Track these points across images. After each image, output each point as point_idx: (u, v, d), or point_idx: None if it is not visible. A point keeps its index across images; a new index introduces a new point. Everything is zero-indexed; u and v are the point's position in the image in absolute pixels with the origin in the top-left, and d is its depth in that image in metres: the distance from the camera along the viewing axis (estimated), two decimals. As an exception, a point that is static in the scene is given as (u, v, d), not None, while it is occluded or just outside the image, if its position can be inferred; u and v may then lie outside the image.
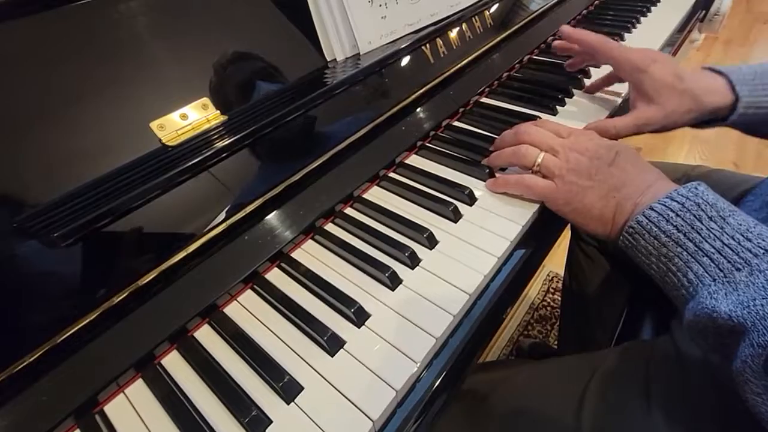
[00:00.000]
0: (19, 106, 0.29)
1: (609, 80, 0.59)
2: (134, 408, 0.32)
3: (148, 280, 0.34)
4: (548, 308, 1.20)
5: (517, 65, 0.68)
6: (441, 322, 0.34)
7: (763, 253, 0.28)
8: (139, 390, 0.33)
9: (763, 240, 0.28)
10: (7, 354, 0.28)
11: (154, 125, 0.33)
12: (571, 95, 0.61)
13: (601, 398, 0.43)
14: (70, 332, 0.31)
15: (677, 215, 0.32)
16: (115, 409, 0.32)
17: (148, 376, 0.33)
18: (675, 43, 0.77)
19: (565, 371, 0.50)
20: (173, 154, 0.32)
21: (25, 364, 0.29)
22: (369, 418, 0.29)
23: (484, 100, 0.62)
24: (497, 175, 0.47)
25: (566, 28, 0.56)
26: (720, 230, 0.30)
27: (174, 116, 0.34)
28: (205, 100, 0.36)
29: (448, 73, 0.56)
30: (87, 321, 0.31)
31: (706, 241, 0.30)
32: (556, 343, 1.10)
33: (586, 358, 0.51)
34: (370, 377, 0.32)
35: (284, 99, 0.39)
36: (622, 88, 0.59)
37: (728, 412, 0.36)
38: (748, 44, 2.29)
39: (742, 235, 0.29)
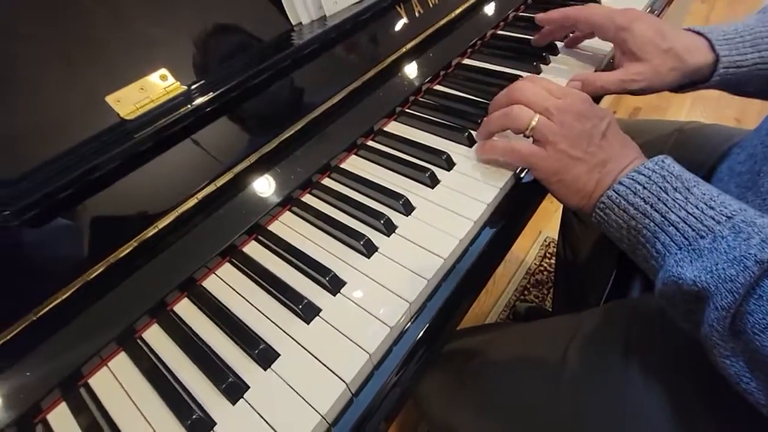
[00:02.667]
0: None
1: (578, 39, 0.58)
2: (117, 380, 0.33)
3: (122, 255, 0.34)
4: (544, 273, 1.21)
5: (501, 23, 0.66)
6: (415, 287, 0.35)
7: (725, 220, 0.29)
8: (121, 363, 0.34)
9: (725, 208, 0.30)
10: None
11: (110, 99, 0.32)
12: (555, 52, 0.58)
13: (581, 355, 0.44)
14: (48, 308, 0.31)
15: (644, 188, 0.33)
16: (99, 381, 0.33)
17: (130, 349, 0.34)
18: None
19: (551, 331, 0.51)
20: (131, 127, 0.32)
21: (4, 341, 0.30)
22: (342, 380, 0.30)
23: (466, 61, 0.60)
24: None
25: (540, 15, 0.55)
26: (684, 200, 0.31)
27: (131, 89, 0.33)
28: (163, 71, 0.34)
29: (426, 34, 0.54)
30: (64, 297, 0.32)
31: (672, 211, 0.31)
32: (551, 306, 1.11)
33: (572, 318, 0.51)
34: (345, 342, 0.32)
35: (246, 66, 0.38)
36: (607, 45, 0.57)
37: (705, 369, 0.37)
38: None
39: (706, 204, 0.30)
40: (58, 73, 0.31)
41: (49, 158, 0.30)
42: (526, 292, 1.18)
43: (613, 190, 0.35)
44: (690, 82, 0.49)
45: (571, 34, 0.59)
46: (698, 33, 0.47)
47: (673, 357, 0.40)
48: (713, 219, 0.30)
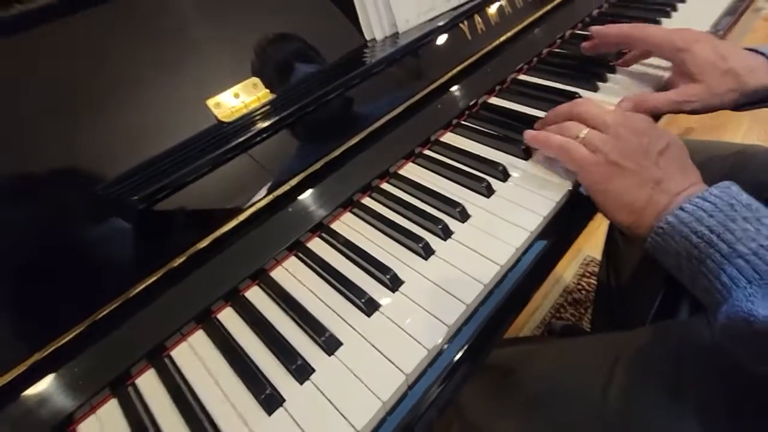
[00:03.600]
0: (93, 93, 0.33)
1: (635, 58, 0.57)
2: (196, 354, 0.36)
3: (204, 245, 0.38)
4: (582, 292, 1.19)
5: (558, 41, 0.67)
6: (472, 290, 0.36)
7: None
8: (200, 339, 0.37)
9: None
10: (92, 302, 0.33)
11: (210, 103, 0.36)
12: (613, 71, 0.59)
13: (628, 378, 0.44)
14: (140, 288, 0.35)
15: (710, 215, 0.31)
16: (180, 354, 0.36)
17: (207, 327, 0.38)
18: (736, 11, 0.72)
19: (595, 349, 0.50)
20: (228, 129, 0.36)
21: (104, 312, 0.34)
22: (403, 372, 0.32)
23: (521, 77, 0.61)
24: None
25: (596, 28, 0.55)
26: (756, 231, 0.29)
27: (227, 95, 0.37)
28: (255, 80, 0.38)
29: (485, 50, 0.56)
30: (153, 279, 0.36)
31: (741, 242, 0.29)
32: (589, 327, 1.09)
33: (618, 336, 0.51)
34: (404, 337, 0.34)
35: (325, 79, 0.41)
36: (667, 63, 0.57)
37: (762, 393, 0.36)
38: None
39: None
40: (168, 79, 0.36)
41: (161, 153, 0.34)
42: (562, 310, 1.16)
43: (674, 216, 0.33)
44: (749, 101, 0.48)
45: (625, 53, 0.59)
46: (760, 53, 0.47)
47: (727, 381, 0.39)
48: None
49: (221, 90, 0.37)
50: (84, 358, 0.34)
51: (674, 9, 0.69)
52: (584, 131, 0.41)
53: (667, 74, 0.57)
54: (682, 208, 0.32)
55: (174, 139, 0.35)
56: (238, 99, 0.37)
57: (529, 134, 0.46)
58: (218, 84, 0.37)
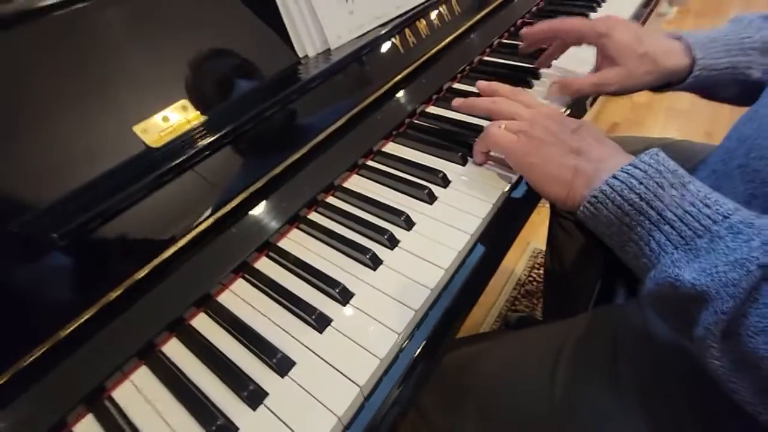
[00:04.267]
0: (8, 122, 0.31)
1: (555, 49, 0.62)
2: (140, 392, 0.34)
3: (143, 274, 0.36)
4: (534, 283, 1.25)
5: (487, 50, 0.71)
6: (420, 296, 0.37)
7: (722, 219, 0.28)
8: (143, 376, 0.35)
9: (720, 206, 0.29)
10: (15, 349, 0.31)
11: (137, 129, 0.35)
12: (538, 77, 0.63)
13: (572, 363, 0.47)
14: (73, 327, 0.33)
15: (640, 183, 0.31)
16: (122, 394, 0.34)
17: (151, 362, 0.36)
18: (641, 16, 0.80)
19: (544, 338, 0.53)
20: (158, 155, 0.35)
21: (32, 358, 0.31)
22: (356, 384, 0.32)
23: (456, 85, 0.64)
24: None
25: (525, 30, 0.60)
26: (681, 197, 0.30)
27: (156, 119, 0.36)
28: (184, 101, 0.37)
29: (419, 62, 0.59)
30: (88, 316, 0.33)
31: (668, 209, 0.30)
32: (541, 316, 1.14)
33: (563, 324, 0.54)
34: (356, 349, 0.35)
35: (260, 97, 0.41)
36: (586, 67, 0.62)
37: (689, 373, 0.40)
38: (721, 16, 2.33)
39: (701, 202, 0.29)
40: (91, 105, 0.34)
41: (87, 183, 0.32)
42: (516, 303, 1.22)
43: (607, 185, 0.33)
44: (666, 83, 0.53)
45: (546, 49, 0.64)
46: (676, 38, 0.51)
47: (659, 360, 0.43)
48: (710, 218, 0.29)
49: (149, 114, 0.36)
50: (13, 409, 0.31)
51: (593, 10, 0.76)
52: (503, 123, 0.44)
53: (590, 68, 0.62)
54: (615, 176, 0.33)
55: (99, 168, 0.33)
56: (167, 123, 0.36)
57: (456, 101, 0.50)
58: (145, 108, 0.36)
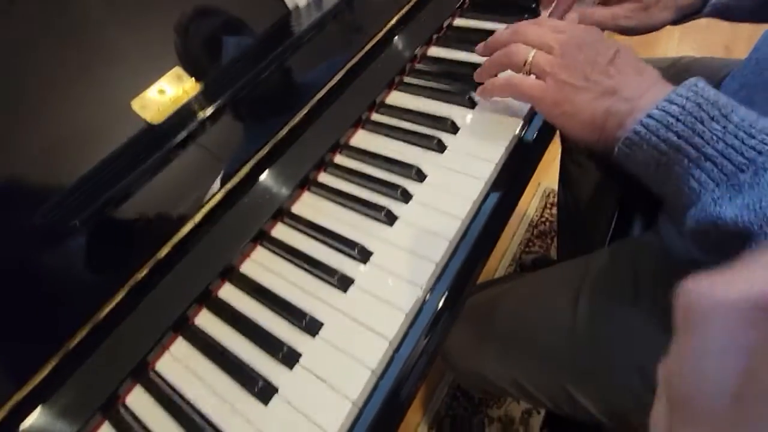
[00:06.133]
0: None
1: None
2: (181, 362, 0.36)
3: (165, 252, 0.36)
4: (546, 223, 1.25)
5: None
6: (439, 248, 0.37)
7: None
8: (181, 347, 0.37)
9: (767, 135, 0.27)
10: (60, 333, 0.32)
11: (135, 106, 0.33)
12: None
13: (593, 296, 0.47)
14: (109, 308, 0.34)
15: (678, 120, 0.29)
16: (165, 365, 0.36)
17: (187, 334, 0.37)
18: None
19: (561, 277, 0.54)
20: (161, 131, 0.34)
21: (77, 340, 0.33)
22: (386, 338, 0.33)
23: (456, 22, 0.60)
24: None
25: None
26: (723, 130, 0.28)
27: (152, 92, 0.34)
28: (178, 69, 0.36)
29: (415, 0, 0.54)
30: (120, 297, 0.35)
31: (709, 144, 0.28)
32: (556, 255, 1.15)
33: (579, 261, 0.54)
34: (381, 305, 0.35)
35: (255, 56, 0.39)
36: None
37: None
38: None
39: (746, 133, 0.27)
40: (83, 85, 0.32)
41: (94, 169, 0.32)
42: (530, 244, 1.23)
43: (642, 125, 0.31)
44: (683, 15, 0.50)
45: None
46: None
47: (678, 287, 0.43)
48: (754, 149, 0.27)
49: (143, 88, 0.34)
50: (68, 388, 0.33)
51: None
52: (531, 53, 0.39)
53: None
54: (650, 116, 0.31)
55: (103, 151, 0.32)
56: (164, 95, 0.34)
57: (478, 92, 0.45)
58: (139, 82, 0.34)
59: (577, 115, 0.36)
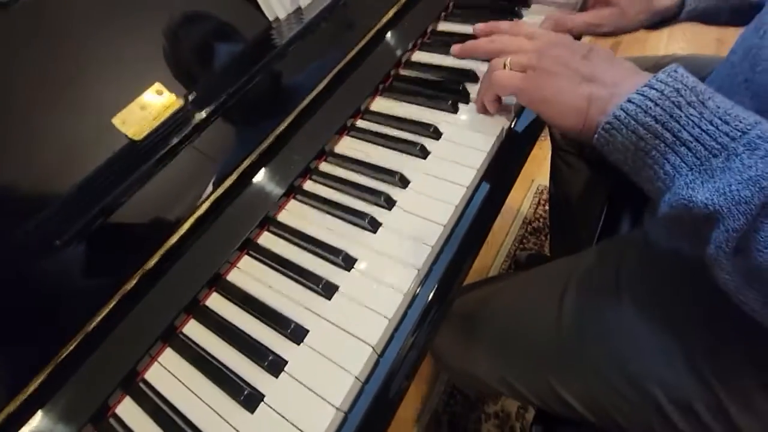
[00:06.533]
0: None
1: None
2: (169, 372, 0.37)
3: (152, 263, 0.37)
4: (541, 220, 1.26)
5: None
6: (422, 254, 0.38)
7: (740, 136, 0.27)
8: (170, 357, 0.37)
9: (740, 122, 0.27)
10: (49, 347, 0.33)
11: (116, 122, 0.34)
12: (528, 4, 0.59)
13: (578, 295, 0.48)
14: (98, 320, 0.35)
15: (656, 104, 0.30)
16: (154, 375, 0.37)
17: (175, 344, 0.38)
18: None
19: (548, 276, 0.55)
20: (143, 146, 0.34)
21: (67, 352, 0.33)
22: (368, 344, 0.34)
23: (441, 26, 0.60)
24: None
25: None
26: (699, 116, 0.29)
27: (133, 108, 0.35)
28: (158, 85, 0.36)
29: (399, 5, 0.55)
30: (110, 308, 0.35)
31: (685, 129, 0.29)
32: (549, 251, 1.16)
33: (567, 261, 0.55)
34: (365, 311, 0.36)
35: (236, 69, 0.39)
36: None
37: (692, 291, 0.41)
38: None
39: (720, 119, 0.28)
40: (63, 101, 0.33)
41: (75, 187, 0.32)
42: (524, 241, 1.23)
43: (621, 109, 0.31)
44: (660, 20, 0.50)
45: None
46: None
47: (660, 286, 0.44)
48: (727, 135, 0.27)
49: (125, 103, 0.35)
50: (56, 400, 0.33)
51: None
52: (508, 59, 0.41)
53: (571, 4, 0.58)
54: (630, 99, 0.31)
55: (85, 169, 0.33)
56: (145, 111, 0.35)
57: (455, 48, 0.47)
58: (119, 98, 0.35)
59: (559, 100, 0.37)
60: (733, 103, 0.29)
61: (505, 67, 0.41)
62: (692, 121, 0.29)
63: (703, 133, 0.28)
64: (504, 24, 0.46)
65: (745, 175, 0.26)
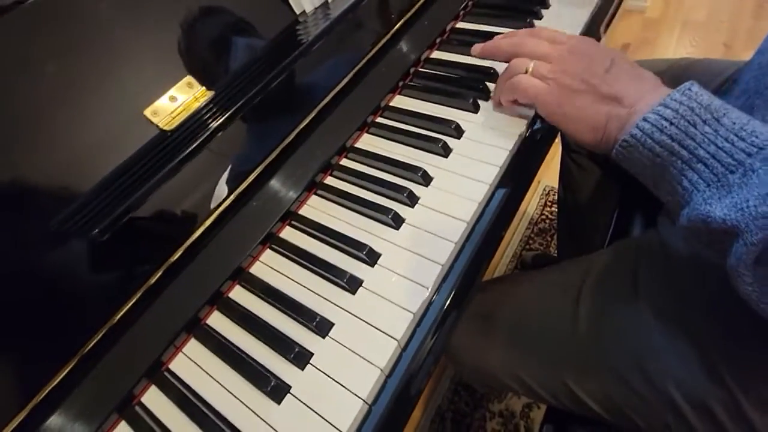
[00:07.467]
0: (21, 126, 0.31)
1: None
2: (194, 362, 0.37)
3: (178, 256, 0.37)
4: (546, 221, 1.26)
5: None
6: (445, 250, 0.38)
7: (756, 152, 0.28)
8: (194, 347, 0.38)
9: (756, 137, 0.28)
10: (78, 337, 0.33)
11: (148, 113, 0.34)
12: (547, 5, 0.59)
13: (594, 296, 0.48)
14: (124, 311, 0.35)
15: (671, 123, 0.31)
16: (179, 365, 0.37)
17: (199, 335, 0.38)
18: None
19: (563, 276, 0.55)
20: (173, 137, 0.34)
21: (94, 343, 0.34)
22: (394, 338, 0.34)
23: (459, 25, 0.61)
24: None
25: None
26: (714, 133, 0.29)
27: (163, 101, 0.35)
28: (189, 78, 0.36)
29: (420, 2, 0.55)
30: (134, 301, 0.35)
31: (701, 147, 0.30)
32: (556, 252, 1.17)
33: (580, 261, 0.56)
34: (389, 306, 0.36)
35: (264, 63, 0.40)
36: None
37: (709, 294, 0.41)
38: None
39: (736, 135, 0.29)
40: (97, 95, 0.33)
41: (110, 175, 0.32)
42: (530, 242, 1.24)
43: (638, 128, 0.32)
44: None
45: None
46: None
47: (677, 288, 0.44)
48: (744, 152, 0.28)
49: (156, 96, 0.35)
50: (85, 388, 0.34)
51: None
52: (531, 65, 0.41)
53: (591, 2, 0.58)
54: (645, 119, 0.32)
55: (118, 158, 0.33)
56: (176, 102, 0.35)
57: (476, 48, 0.47)
58: (151, 90, 0.35)
59: (579, 118, 0.38)
60: (750, 117, 0.29)
61: (527, 71, 0.41)
62: (708, 138, 0.29)
63: (719, 150, 0.29)
64: (523, 31, 0.46)
65: (762, 190, 0.26)
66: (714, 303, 0.41)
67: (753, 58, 0.44)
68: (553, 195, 1.30)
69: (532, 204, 1.30)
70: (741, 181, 0.28)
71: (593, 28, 0.56)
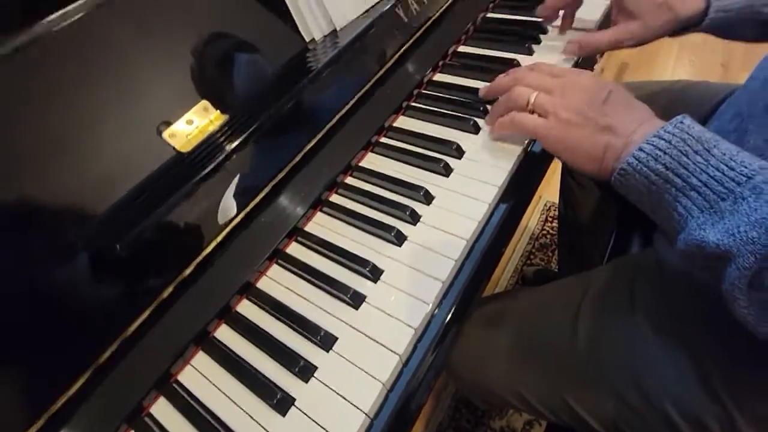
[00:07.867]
0: (46, 145, 0.33)
1: (571, 11, 0.60)
2: (202, 374, 0.38)
3: (189, 271, 0.39)
4: (547, 236, 1.27)
5: (490, 5, 0.69)
6: (446, 267, 0.40)
7: (746, 181, 0.29)
8: (202, 360, 0.39)
9: (745, 167, 0.30)
10: (94, 349, 0.34)
11: (166, 135, 0.36)
12: (545, 31, 0.62)
13: (593, 312, 0.49)
14: (137, 324, 0.36)
15: (665, 153, 0.33)
16: (187, 377, 0.38)
17: (207, 347, 0.39)
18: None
19: (562, 292, 0.56)
20: (190, 159, 0.36)
21: (106, 356, 0.35)
22: (396, 353, 0.36)
23: (461, 48, 0.63)
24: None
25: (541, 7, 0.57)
26: (705, 163, 0.31)
27: (180, 124, 0.37)
28: (205, 102, 0.38)
29: (423, 28, 0.58)
30: (146, 314, 0.37)
31: (693, 175, 0.31)
32: (557, 267, 1.17)
33: (580, 277, 0.57)
34: (391, 321, 0.37)
35: (276, 89, 0.42)
36: (592, 15, 0.60)
37: (705, 310, 0.42)
38: None
39: (726, 165, 0.30)
40: (117, 117, 0.35)
41: (128, 195, 0.34)
42: (531, 257, 1.25)
43: (634, 157, 0.35)
44: (682, 28, 0.52)
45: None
46: None
47: (674, 304, 0.45)
48: (734, 180, 0.30)
49: (173, 120, 0.37)
50: (95, 400, 0.35)
51: None
52: (533, 96, 0.44)
53: (593, 21, 0.61)
54: (641, 148, 0.34)
55: (139, 177, 0.35)
56: (192, 125, 0.37)
57: (482, 91, 0.51)
58: (170, 114, 0.37)
59: (578, 149, 0.40)
60: (739, 149, 0.32)
61: (528, 106, 0.44)
62: (699, 167, 0.31)
63: (711, 179, 0.31)
64: (523, 67, 0.49)
65: (752, 217, 0.28)
66: (709, 319, 0.42)
67: (746, 82, 0.46)
68: (554, 210, 1.31)
69: (533, 219, 1.32)
70: (732, 208, 0.29)
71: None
